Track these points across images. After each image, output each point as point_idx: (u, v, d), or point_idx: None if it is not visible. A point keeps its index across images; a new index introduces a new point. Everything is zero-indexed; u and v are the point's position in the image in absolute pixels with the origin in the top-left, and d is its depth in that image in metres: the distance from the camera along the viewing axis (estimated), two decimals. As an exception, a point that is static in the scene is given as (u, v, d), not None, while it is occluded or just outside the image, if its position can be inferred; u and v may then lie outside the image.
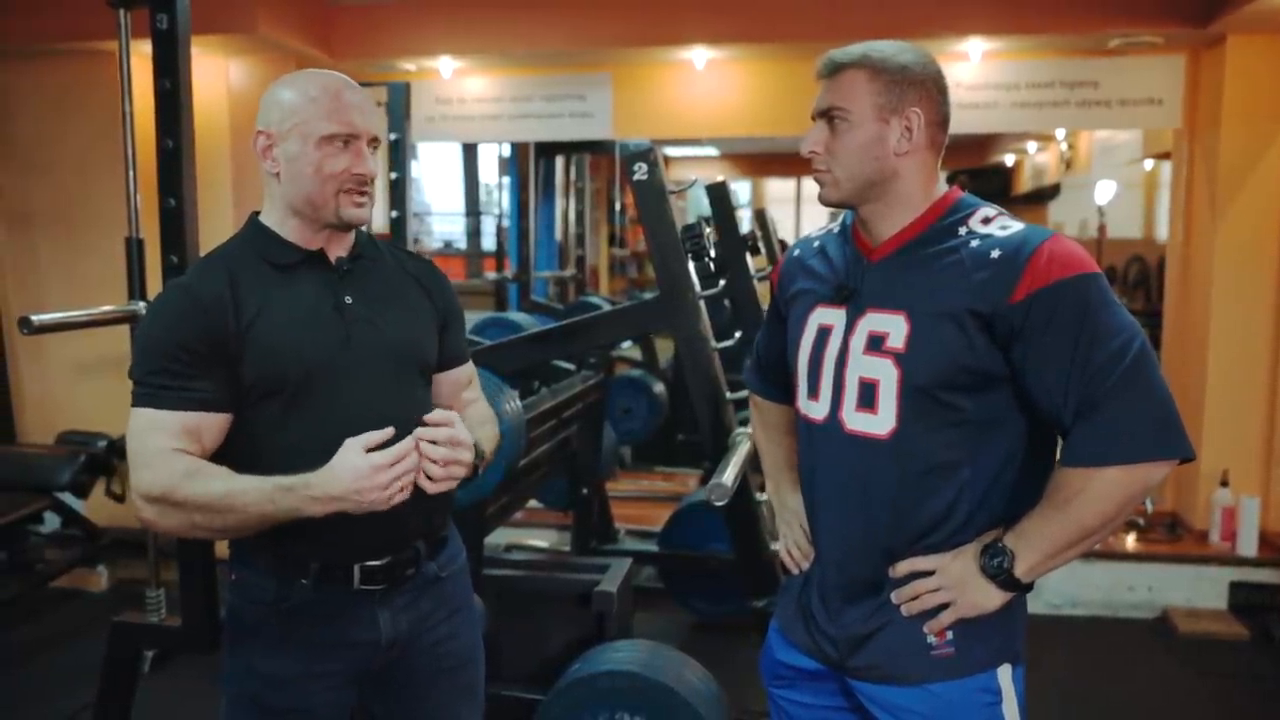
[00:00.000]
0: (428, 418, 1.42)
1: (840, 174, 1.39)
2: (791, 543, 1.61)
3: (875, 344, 1.37)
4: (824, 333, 1.44)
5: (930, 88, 1.37)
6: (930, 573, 1.37)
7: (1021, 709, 1.41)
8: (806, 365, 1.46)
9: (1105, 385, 1.25)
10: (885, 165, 1.37)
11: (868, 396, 1.38)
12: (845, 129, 1.37)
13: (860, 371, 1.38)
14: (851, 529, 1.44)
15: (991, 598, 1.34)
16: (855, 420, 1.39)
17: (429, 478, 1.41)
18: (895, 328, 1.35)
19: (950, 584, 1.35)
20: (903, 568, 1.39)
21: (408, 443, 1.38)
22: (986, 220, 1.36)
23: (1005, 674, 1.40)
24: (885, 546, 1.41)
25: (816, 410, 1.45)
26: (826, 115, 1.39)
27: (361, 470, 1.34)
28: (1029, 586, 1.35)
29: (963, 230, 1.35)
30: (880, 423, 1.37)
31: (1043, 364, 1.28)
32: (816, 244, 1.54)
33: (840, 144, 1.38)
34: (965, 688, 1.38)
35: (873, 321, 1.38)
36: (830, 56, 1.40)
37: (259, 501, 1.35)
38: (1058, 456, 1.33)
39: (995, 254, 1.30)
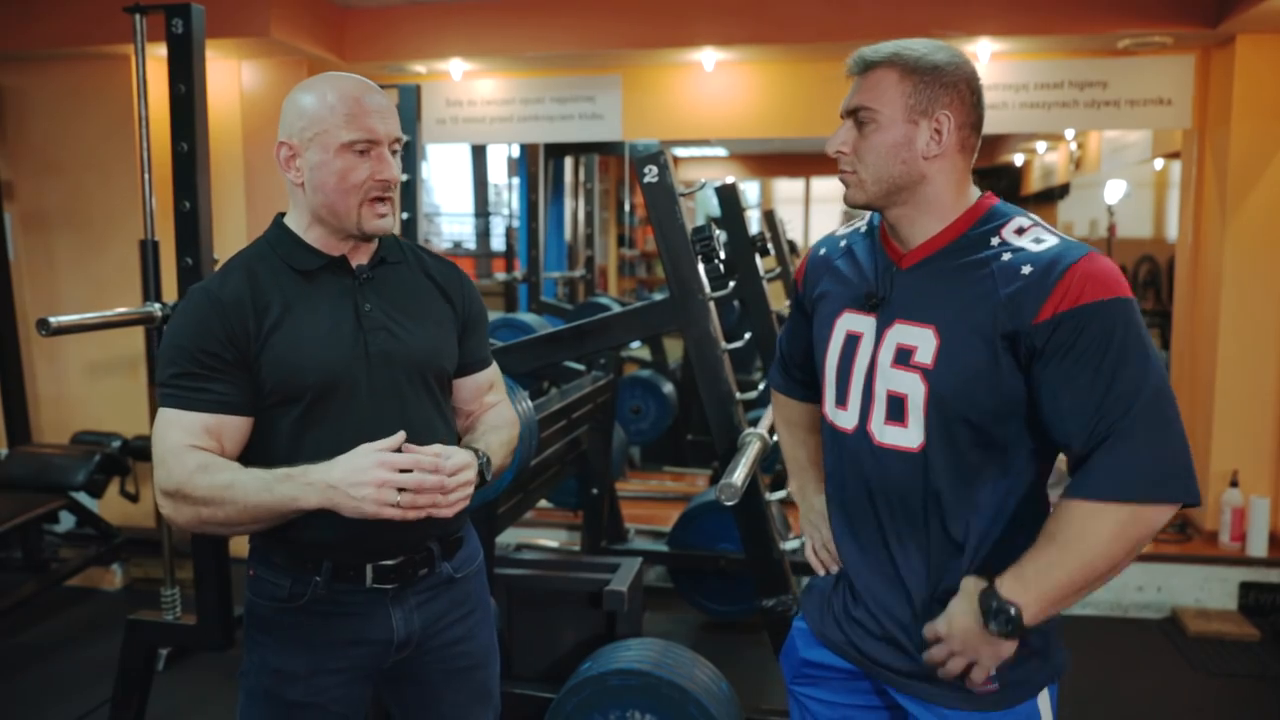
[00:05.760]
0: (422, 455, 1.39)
1: (866, 176, 1.36)
2: (820, 544, 1.61)
3: (903, 357, 1.35)
4: (853, 341, 1.42)
5: (963, 89, 1.33)
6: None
7: (1054, 705, 1.43)
8: (835, 373, 1.45)
9: (1120, 420, 1.21)
10: (913, 169, 1.34)
11: (896, 410, 1.36)
12: (873, 130, 1.34)
13: (888, 385, 1.36)
14: (883, 541, 1.43)
15: (1007, 647, 1.30)
16: (885, 433, 1.38)
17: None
18: (924, 342, 1.33)
19: (963, 648, 1.31)
20: (928, 631, 1.36)
21: (426, 458, 1.37)
22: (1020, 231, 1.32)
23: (1045, 699, 1.40)
24: (921, 561, 1.39)
25: (844, 420, 1.44)
26: (854, 114, 1.36)
27: (363, 464, 1.34)
28: None
29: (995, 241, 1.32)
30: (910, 436, 1.35)
31: (1059, 388, 1.25)
32: (843, 243, 1.51)
33: (867, 145, 1.35)
34: (1009, 716, 1.38)
35: (901, 333, 1.35)
36: (861, 54, 1.36)
37: (257, 490, 1.36)
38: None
39: (1026, 270, 1.26)
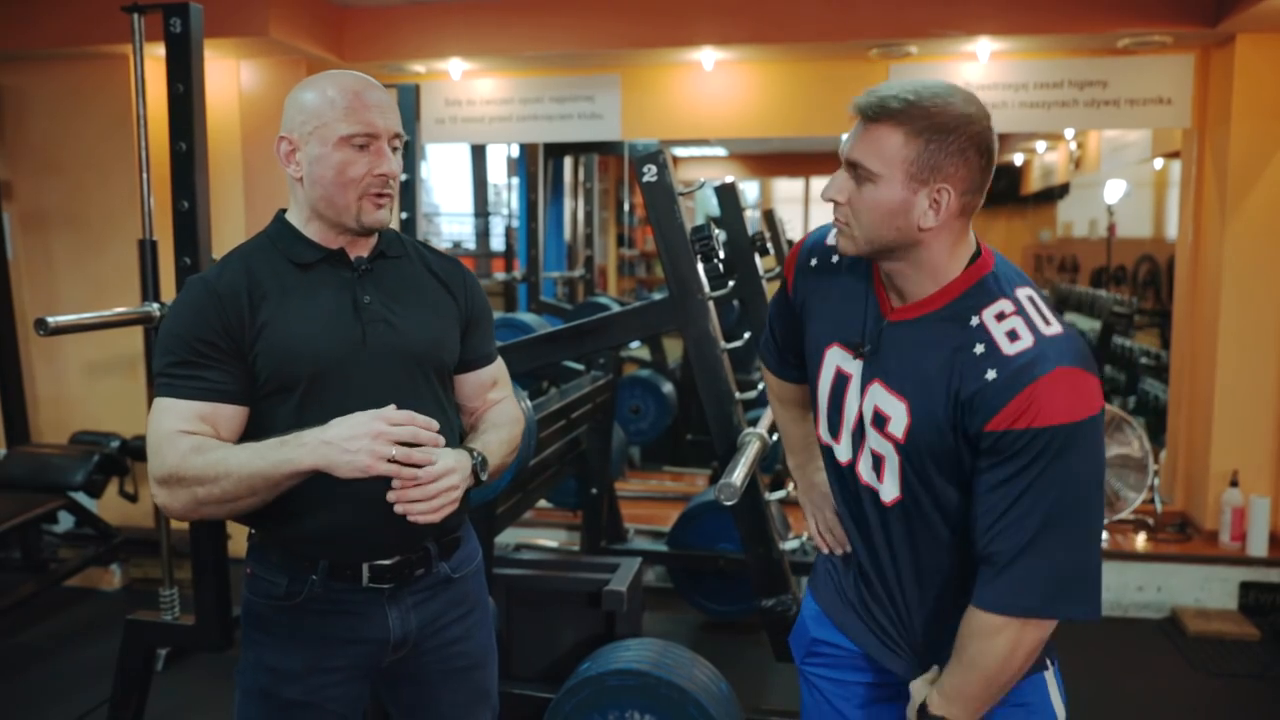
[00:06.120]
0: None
1: (859, 233, 1.31)
2: (824, 526, 1.63)
3: (880, 422, 1.36)
4: (842, 380, 1.42)
5: (971, 155, 1.25)
6: None
7: (1061, 691, 1.48)
8: (827, 405, 1.46)
9: (1027, 537, 1.25)
10: (907, 235, 1.28)
11: (876, 465, 1.39)
12: (870, 189, 1.28)
13: (870, 444, 1.39)
14: (877, 565, 1.48)
15: None
16: (871, 482, 1.42)
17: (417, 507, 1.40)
18: (897, 414, 1.34)
19: None
20: None
21: (422, 417, 1.38)
22: (1001, 317, 1.28)
23: (1050, 676, 1.45)
24: (911, 589, 1.45)
25: (840, 452, 1.46)
26: (852, 168, 1.29)
27: (358, 420, 1.34)
28: None
29: (974, 321, 1.29)
30: (886, 490, 1.39)
31: (984, 489, 1.28)
32: (835, 259, 1.43)
33: (863, 202, 1.29)
34: (1016, 694, 1.42)
35: (879, 396, 1.36)
36: (869, 99, 1.27)
37: (251, 459, 1.36)
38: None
39: (990, 375, 1.25)
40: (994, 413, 1.24)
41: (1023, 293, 1.31)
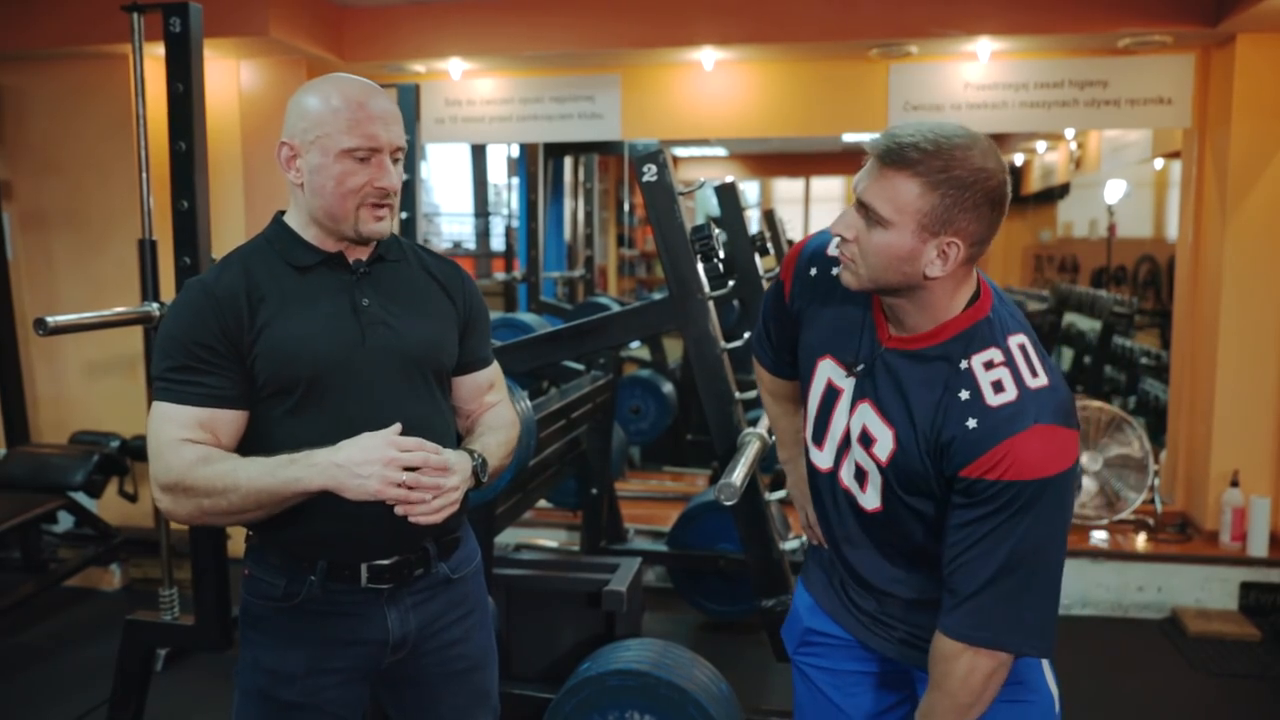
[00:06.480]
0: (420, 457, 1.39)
1: (864, 271, 1.32)
2: (815, 519, 1.65)
3: (866, 442, 1.40)
4: (832, 394, 1.45)
5: (984, 210, 1.25)
6: None
7: (1054, 676, 1.52)
8: (815, 414, 1.49)
9: (986, 576, 1.31)
10: (911, 280, 1.30)
11: (859, 476, 1.44)
12: (879, 233, 1.28)
13: (855, 457, 1.43)
14: (857, 560, 1.52)
15: None
16: (852, 489, 1.46)
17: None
18: (883, 439, 1.38)
19: None
20: None
21: (430, 443, 1.39)
22: (989, 366, 1.31)
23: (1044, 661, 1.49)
24: (884, 587, 1.50)
25: (820, 459, 1.50)
26: (864, 208, 1.29)
27: (370, 444, 1.35)
28: None
29: (964, 365, 1.31)
30: (868, 500, 1.44)
31: (955, 526, 1.33)
32: (835, 271, 1.41)
33: (870, 244, 1.29)
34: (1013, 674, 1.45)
35: (868, 417, 1.40)
36: (889, 143, 1.25)
37: (260, 475, 1.37)
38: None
39: (970, 424, 1.29)
40: (969, 461, 1.28)
41: (1015, 340, 1.33)
